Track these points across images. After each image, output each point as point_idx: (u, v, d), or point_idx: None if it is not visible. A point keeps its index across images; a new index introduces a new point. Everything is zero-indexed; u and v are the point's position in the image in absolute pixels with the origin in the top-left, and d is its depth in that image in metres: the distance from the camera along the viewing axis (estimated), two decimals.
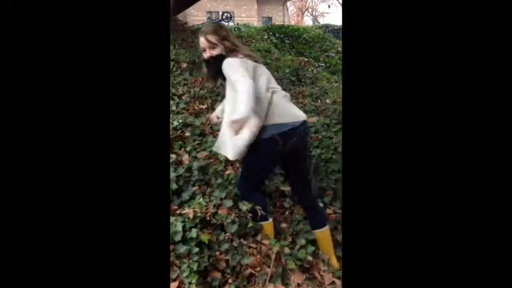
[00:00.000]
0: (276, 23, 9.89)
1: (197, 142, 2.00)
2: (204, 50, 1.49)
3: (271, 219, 1.54)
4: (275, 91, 1.43)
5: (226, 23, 9.88)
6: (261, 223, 1.48)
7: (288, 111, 1.42)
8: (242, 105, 1.23)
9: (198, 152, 1.88)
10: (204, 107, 2.50)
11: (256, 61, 1.47)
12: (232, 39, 1.48)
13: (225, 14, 11.02)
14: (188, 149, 1.85)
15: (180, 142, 1.92)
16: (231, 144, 1.36)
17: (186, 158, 1.77)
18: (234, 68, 1.35)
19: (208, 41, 1.46)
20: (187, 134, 2.01)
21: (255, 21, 12.57)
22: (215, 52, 1.45)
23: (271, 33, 7.09)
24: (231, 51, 1.44)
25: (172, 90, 2.64)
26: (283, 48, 6.44)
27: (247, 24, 8.44)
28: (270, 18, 14.49)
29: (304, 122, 1.45)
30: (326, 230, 1.54)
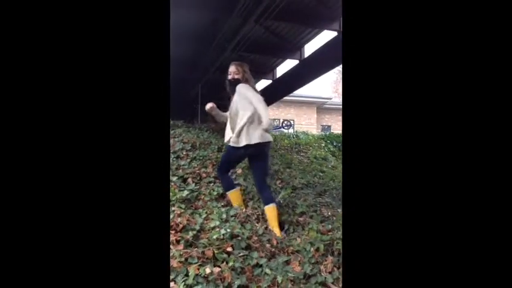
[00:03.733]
0: (335, 132, 10.14)
1: (242, 255, 1.85)
2: (230, 74, 2.42)
3: (238, 188, 2.51)
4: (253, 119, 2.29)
5: (286, 130, 10.37)
6: (231, 190, 2.44)
7: (253, 135, 2.26)
8: (265, 115, 2.23)
9: (242, 268, 1.72)
10: (255, 213, 2.40)
11: (256, 91, 2.40)
12: (248, 74, 2.43)
13: (285, 122, 11.67)
14: (230, 264, 1.70)
15: (224, 255, 1.78)
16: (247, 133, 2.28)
17: (227, 274, 1.61)
18: (248, 89, 2.32)
19: (236, 69, 2.41)
20: (230, 245, 1.88)
21: (314, 129, 13.04)
22: (236, 76, 2.40)
23: (328, 141, 7.21)
24: (245, 80, 2.39)
25: None
26: (340, 157, 6.40)
27: (306, 132, 8.76)
28: (330, 127, 14.96)
29: (267, 142, 2.31)
30: (272, 206, 2.28)
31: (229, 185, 2.46)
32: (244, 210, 2.38)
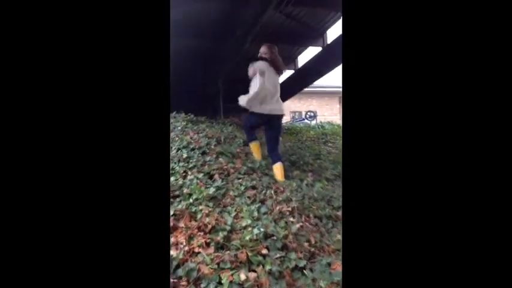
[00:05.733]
0: None
1: (278, 256, 1.67)
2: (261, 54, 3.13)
3: (257, 141, 3.18)
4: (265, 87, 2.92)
5: (310, 121, 10.11)
6: (252, 142, 3.19)
7: (266, 107, 2.94)
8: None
9: (280, 272, 1.53)
10: (289, 209, 2.21)
11: (270, 65, 2.98)
12: (270, 55, 3.05)
13: (309, 113, 11.38)
14: (267, 267, 1.52)
15: (259, 257, 1.61)
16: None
17: (265, 280, 1.43)
18: (253, 67, 3.02)
19: (261, 51, 3.14)
20: (265, 246, 1.70)
21: (338, 120, 12.68)
22: (263, 56, 3.07)
23: None
24: (263, 58, 3.04)
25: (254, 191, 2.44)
26: None
27: (331, 122, 8.46)
28: None
29: (279, 115, 3.03)
30: (280, 164, 2.85)
31: (251, 138, 3.18)
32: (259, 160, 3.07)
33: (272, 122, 2.98)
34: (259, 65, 2.92)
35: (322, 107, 14.11)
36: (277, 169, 2.83)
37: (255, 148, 3.15)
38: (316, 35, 5.85)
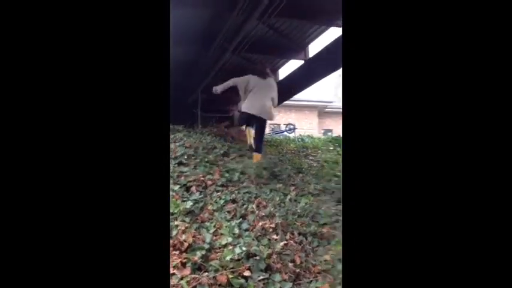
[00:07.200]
0: (336, 135, 9.84)
1: (261, 278, 1.52)
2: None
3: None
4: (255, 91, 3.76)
5: (289, 134, 10.08)
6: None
7: (252, 106, 3.66)
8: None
9: None
10: (272, 225, 2.07)
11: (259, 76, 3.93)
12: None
13: (289, 126, 11.38)
14: None
15: (241, 280, 1.45)
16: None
17: None
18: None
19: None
20: (247, 267, 1.55)
21: (316, 133, 12.76)
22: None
23: (337, 144, 6.86)
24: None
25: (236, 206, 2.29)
26: None
27: (311, 135, 8.44)
28: (331, 130, 14.70)
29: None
30: (259, 154, 3.68)
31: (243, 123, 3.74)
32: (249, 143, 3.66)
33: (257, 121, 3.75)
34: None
35: (301, 120, 14.19)
36: (256, 157, 3.61)
37: (248, 133, 3.74)
38: (298, 48, 5.83)
